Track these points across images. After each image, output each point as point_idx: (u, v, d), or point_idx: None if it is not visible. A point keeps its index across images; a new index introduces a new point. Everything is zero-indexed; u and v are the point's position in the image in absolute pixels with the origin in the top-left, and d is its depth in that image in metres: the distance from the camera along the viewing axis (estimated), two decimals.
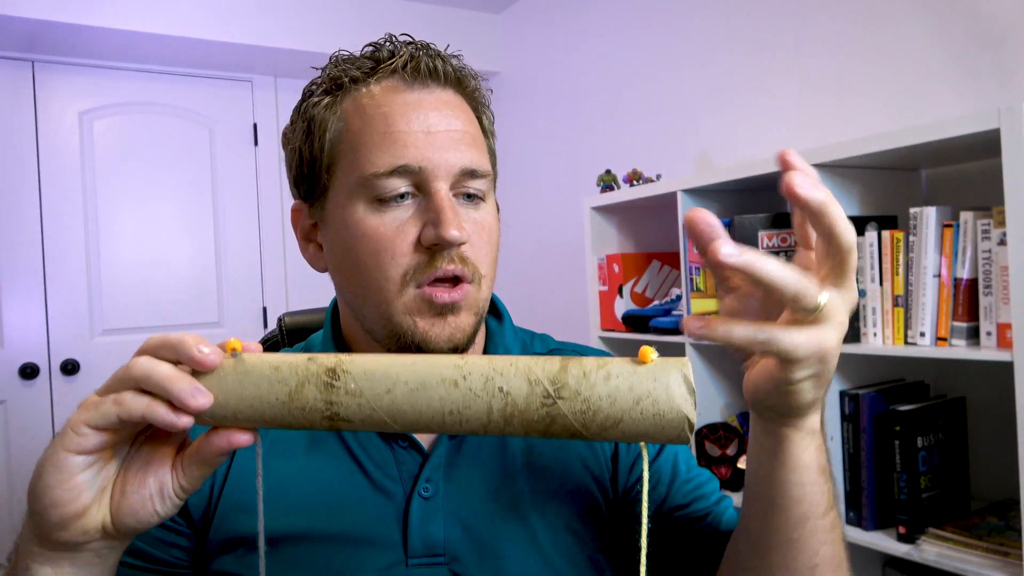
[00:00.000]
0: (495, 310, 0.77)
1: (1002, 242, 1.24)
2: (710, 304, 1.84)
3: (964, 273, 1.31)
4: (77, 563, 0.50)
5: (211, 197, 2.83)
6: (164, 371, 0.46)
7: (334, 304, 0.75)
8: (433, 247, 0.62)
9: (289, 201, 2.94)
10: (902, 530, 1.40)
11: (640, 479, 0.70)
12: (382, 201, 0.63)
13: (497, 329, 0.75)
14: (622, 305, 2.12)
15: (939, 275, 1.35)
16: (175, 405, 0.46)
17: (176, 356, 0.47)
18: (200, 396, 0.46)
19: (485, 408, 0.44)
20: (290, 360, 0.47)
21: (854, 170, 1.52)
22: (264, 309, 2.92)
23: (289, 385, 0.46)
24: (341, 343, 0.72)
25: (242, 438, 0.48)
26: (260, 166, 2.91)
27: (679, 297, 2.03)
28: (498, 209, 0.73)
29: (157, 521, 0.50)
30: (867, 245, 1.45)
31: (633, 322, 2.03)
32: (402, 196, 0.63)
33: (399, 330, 0.63)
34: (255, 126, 2.91)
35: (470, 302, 0.64)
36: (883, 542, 1.42)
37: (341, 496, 0.65)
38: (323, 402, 0.46)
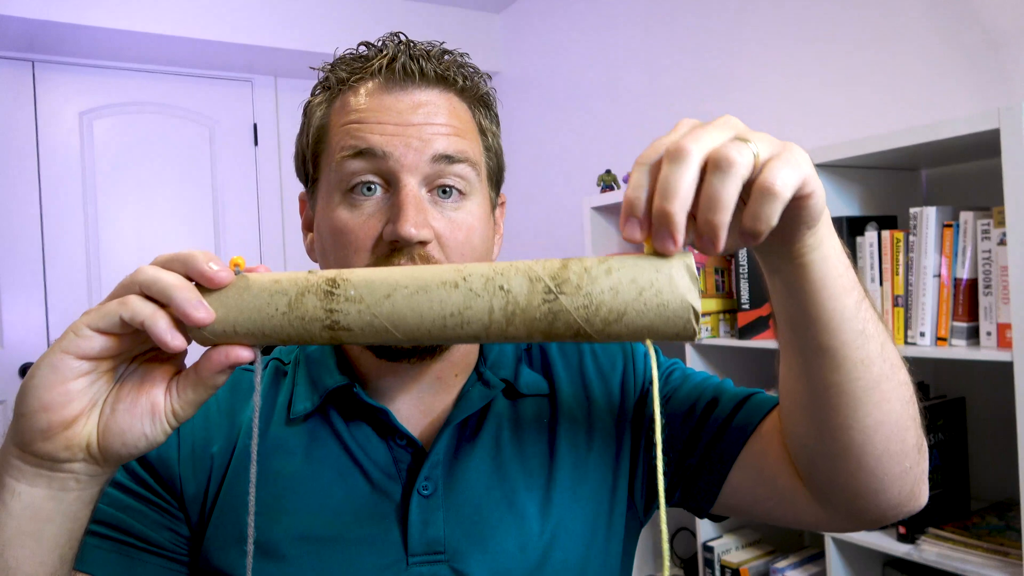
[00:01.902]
0: None
1: (1002, 242, 1.24)
2: (710, 304, 1.84)
3: (964, 273, 1.31)
4: (54, 484, 0.48)
5: (211, 197, 2.83)
6: (171, 280, 0.45)
7: None
8: (393, 243, 0.61)
9: (288, 201, 2.94)
10: (902, 530, 1.40)
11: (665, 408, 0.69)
12: (353, 193, 0.63)
13: None
14: None
15: (939, 275, 1.35)
16: (176, 320, 0.45)
17: (185, 270, 0.46)
18: (203, 310, 0.45)
19: (486, 308, 0.43)
20: (291, 274, 0.47)
21: (854, 170, 1.52)
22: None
23: (289, 295, 0.45)
24: (340, 347, 0.72)
25: (242, 353, 0.47)
26: (260, 166, 2.91)
27: None
28: (495, 207, 0.71)
29: (144, 446, 0.49)
30: (867, 245, 1.45)
31: None
32: (370, 188, 0.62)
33: None
34: (255, 126, 2.91)
35: None
36: (883, 542, 1.42)
37: (340, 497, 0.65)
38: (323, 310, 0.45)
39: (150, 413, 0.48)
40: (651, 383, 0.70)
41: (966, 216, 1.31)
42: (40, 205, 2.55)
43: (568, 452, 0.69)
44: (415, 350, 0.65)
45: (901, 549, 1.38)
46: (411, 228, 0.59)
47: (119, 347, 0.47)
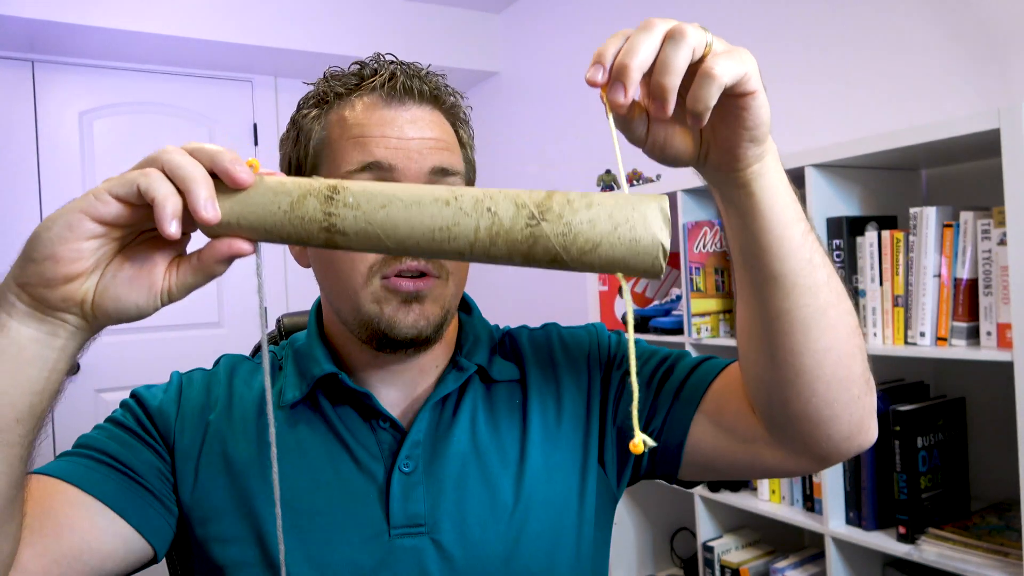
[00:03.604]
0: (464, 305, 0.83)
1: (1002, 242, 1.24)
2: (710, 304, 1.84)
3: (964, 273, 1.31)
4: (43, 328, 0.51)
5: None
6: (194, 171, 0.48)
7: (318, 303, 0.80)
8: None
9: None
10: (902, 530, 1.40)
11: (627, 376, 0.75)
12: None
13: (467, 320, 0.81)
14: (622, 305, 2.12)
15: (939, 275, 1.35)
16: (184, 209, 0.48)
17: (211, 164, 0.49)
18: (212, 210, 0.48)
19: (473, 226, 0.47)
20: (297, 179, 0.50)
21: (854, 170, 1.52)
22: (264, 309, 2.92)
23: (292, 196, 0.49)
24: (324, 339, 0.77)
25: (244, 246, 0.50)
26: (260, 164, 2.91)
27: (679, 297, 2.03)
28: None
29: (134, 314, 0.52)
30: (867, 245, 1.45)
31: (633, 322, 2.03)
32: None
33: (367, 318, 0.69)
34: (255, 126, 2.91)
35: (436, 295, 0.70)
36: (883, 542, 1.42)
37: (328, 476, 0.70)
38: (322, 212, 0.48)
39: (147, 287, 0.51)
40: (613, 372, 0.78)
41: (966, 216, 1.31)
42: (40, 205, 2.55)
43: (539, 430, 0.75)
44: (409, 341, 0.69)
45: (901, 549, 1.38)
46: None
47: (132, 218, 0.49)
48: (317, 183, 0.49)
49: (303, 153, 0.73)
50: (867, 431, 0.64)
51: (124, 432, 0.71)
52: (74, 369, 2.58)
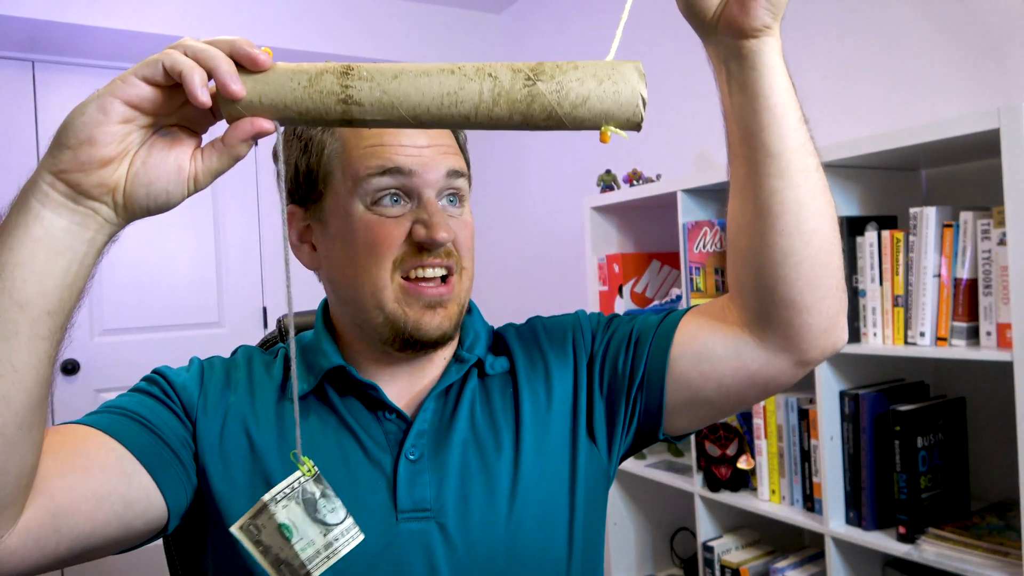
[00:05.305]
0: None
1: (1002, 242, 1.24)
2: None
3: (964, 273, 1.31)
4: (75, 218, 0.52)
5: (211, 197, 2.83)
6: (216, 52, 0.51)
7: (324, 305, 0.83)
8: (420, 245, 0.72)
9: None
10: (902, 530, 1.40)
11: (608, 343, 0.82)
12: (379, 205, 0.72)
13: (468, 318, 0.85)
14: (622, 305, 2.12)
15: (939, 275, 1.35)
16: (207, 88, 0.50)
17: (231, 50, 0.51)
18: (238, 84, 0.51)
19: (477, 90, 0.52)
20: (312, 63, 0.54)
21: (854, 170, 1.52)
22: (264, 309, 2.92)
23: (310, 74, 0.52)
24: (332, 335, 0.80)
25: (266, 124, 0.53)
26: (260, 166, 2.91)
27: (679, 297, 2.03)
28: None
29: (163, 202, 0.54)
30: (867, 245, 1.45)
31: None
32: (395, 199, 0.72)
33: (391, 317, 0.73)
34: None
35: (456, 294, 0.75)
36: (883, 542, 1.42)
37: (336, 462, 0.73)
38: (339, 85, 0.52)
39: (176, 172, 0.54)
40: (595, 345, 0.82)
41: (966, 216, 1.31)
42: None
43: (531, 416, 0.78)
44: (434, 342, 0.74)
45: (901, 549, 1.38)
46: (443, 233, 0.71)
47: (158, 101, 0.51)
48: (332, 64, 0.53)
49: (314, 161, 0.76)
50: (841, 329, 0.70)
51: (149, 398, 0.73)
52: (73, 369, 2.58)
